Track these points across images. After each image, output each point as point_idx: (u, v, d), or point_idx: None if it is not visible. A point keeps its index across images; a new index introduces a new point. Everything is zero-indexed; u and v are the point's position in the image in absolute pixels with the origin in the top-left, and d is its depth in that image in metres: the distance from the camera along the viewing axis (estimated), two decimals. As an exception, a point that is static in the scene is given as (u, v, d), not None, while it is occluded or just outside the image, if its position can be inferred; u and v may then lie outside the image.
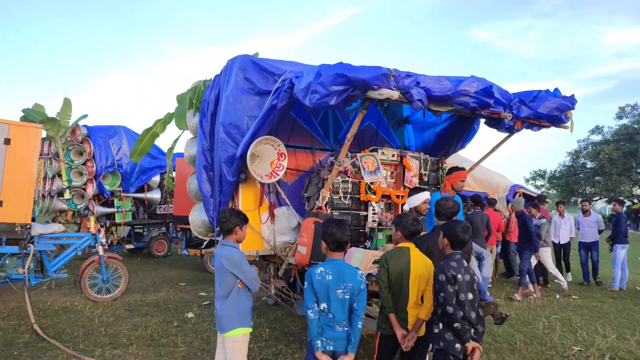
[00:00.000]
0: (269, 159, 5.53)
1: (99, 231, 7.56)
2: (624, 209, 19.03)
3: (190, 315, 6.84)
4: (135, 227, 13.13)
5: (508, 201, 10.98)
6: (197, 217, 6.42)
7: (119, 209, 11.99)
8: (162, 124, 7.18)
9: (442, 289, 3.23)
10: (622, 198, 35.78)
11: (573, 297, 9.08)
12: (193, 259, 12.45)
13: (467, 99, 4.21)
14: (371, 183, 5.32)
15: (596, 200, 45.02)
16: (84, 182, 11.37)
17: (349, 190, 5.32)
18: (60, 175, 11.25)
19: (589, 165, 43.16)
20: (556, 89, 5.06)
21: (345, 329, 3.15)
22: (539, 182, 46.26)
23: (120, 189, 11.93)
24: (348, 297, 3.13)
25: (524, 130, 5.10)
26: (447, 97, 4.14)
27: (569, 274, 11.00)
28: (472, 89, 4.18)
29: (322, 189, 5.25)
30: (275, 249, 5.76)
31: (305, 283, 3.18)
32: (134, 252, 13.12)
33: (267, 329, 6.22)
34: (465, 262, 3.35)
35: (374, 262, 4.68)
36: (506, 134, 5.19)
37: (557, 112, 4.76)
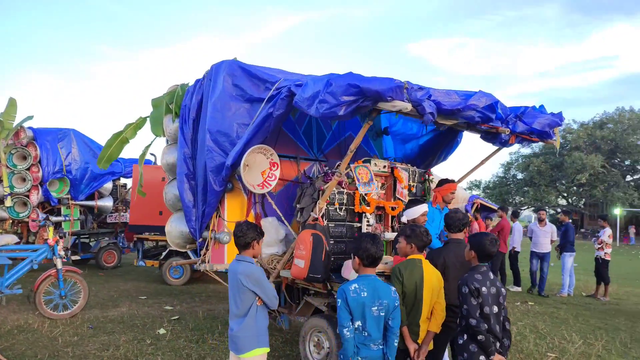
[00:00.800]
0: (260, 169, 5.36)
1: (57, 242, 6.99)
2: (549, 217, 20.14)
3: (162, 331, 6.47)
4: (81, 236, 12.33)
5: (467, 211, 11.35)
6: (175, 228, 6.10)
7: (67, 218, 11.20)
8: (133, 128, 6.78)
9: (466, 301, 3.22)
10: (546, 208, 38.44)
11: (530, 303, 9.50)
12: (149, 271, 11.86)
13: (473, 113, 4.29)
14: (365, 194, 5.28)
15: (524, 210, 47.89)
16: (27, 188, 10.52)
17: (344, 201, 5.25)
18: (1, 181, 10.35)
19: (520, 176, 45.81)
20: (542, 106, 5.27)
21: (381, 347, 3.06)
22: (475, 192, 48.40)
23: (69, 196, 11.16)
24: (383, 314, 3.05)
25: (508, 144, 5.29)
26: (456, 110, 4.18)
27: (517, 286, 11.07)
28: (481, 104, 4.25)
29: (317, 200, 5.14)
30: (262, 262, 5.57)
31: (339, 300, 3.06)
32: (80, 263, 12.30)
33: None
34: (491, 274, 3.36)
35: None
36: (496, 148, 5.33)
37: (548, 128, 4.96)
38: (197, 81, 6.22)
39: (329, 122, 6.74)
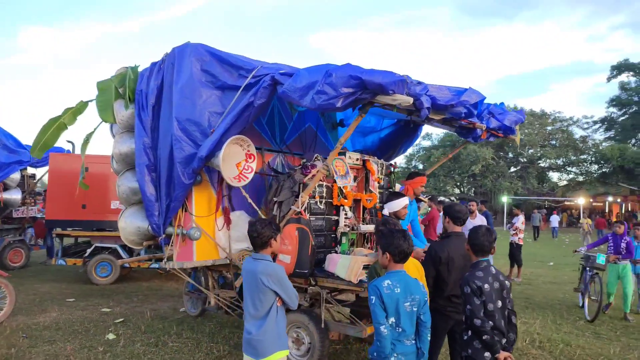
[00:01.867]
0: (235, 160, 5.08)
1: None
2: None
3: (111, 336, 5.94)
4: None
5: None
6: (130, 224, 5.59)
7: (-35, 213, 9.83)
8: (72, 113, 6.06)
9: (469, 301, 3.19)
10: (441, 197, 41.32)
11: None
12: (64, 270, 10.82)
13: (462, 109, 4.42)
14: (342, 187, 5.24)
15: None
16: None
17: (324, 194, 5.17)
18: None
19: (421, 167, 48.55)
20: (502, 103, 5.59)
21: (413, 342, 3.06)
22: (379, 182, 50.30)
23: (-32, 188, 9.79)
24: (415, 309, 3.05)
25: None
26: (449, 106, 4.29)
27: None
28: (472, 101, 4.40)
29: (297, 193, 5.01)
30: (234, 258, 5.33)
31: (372, 297, 2.99)
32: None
33: (214, 344, 5.71)
34: (493, 269, 3.38)
35: (364, 268, 4.64)
36: (464, 141, 5.56)
37: (514, 124, 5.27)
38: (154, 64, 5.73)
39: (290, 113, 6.57)
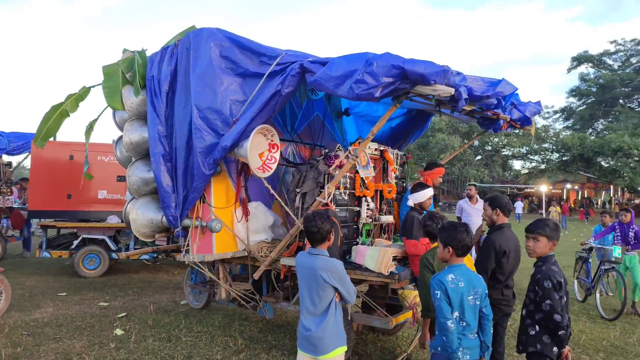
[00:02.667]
0: (258, 150, 4.94)
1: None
2: None
3: (119, 332, 5.72)
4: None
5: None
6: (142, 216, 5.38)
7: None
8: (74, 100, 5.74)
9: (549, 296, 3.11)
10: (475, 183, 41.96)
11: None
12: (45, 262, 10.38)
13: (494, 100, 4.43)
14: (364, 177, 5.19)
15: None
16: None
17: (347, 185, 5.10)
18: None
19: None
20: (517, 94, 5.65)
21: (476, 335, 3.06)
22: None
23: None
24: (478, 302, 3.04)
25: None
26: (485, 97, 4.28)
27: None
28: (506, 92, 4.41)
29: (322, 183, 4.92)
30: (253, 250, 5.21)
31: (437, 292, 2.96)
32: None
33: (228, 337, 5.60)
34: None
35: (394, 259, 4.63)
36: (482, 130, 5.58)
37: (532, 115, 5.33)
38: (164, 49, 5.50)
39: (300, 102, 6.45)
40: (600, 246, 7.13)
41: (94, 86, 5.88)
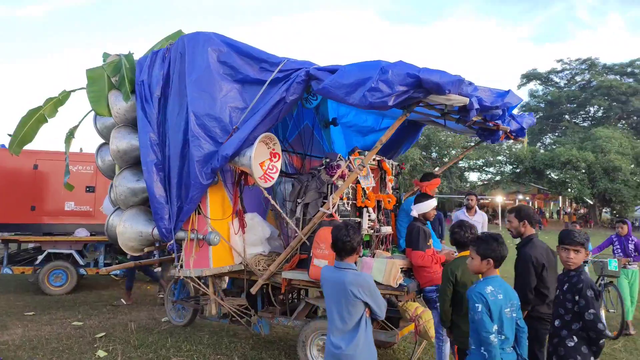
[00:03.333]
0: (259, 160, 4.76)
1: None
2: None
3: (102, 354, 5.34)
4: None
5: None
6: (130, 228, 5.06)
7: None
8: (53, 105, 5.37)
9: (592, 305, 3.06)
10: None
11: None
12: (7, 279, 9.67)
13: (500, 111, 4.45)
14: (365, 188, 5.09)
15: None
16: None
17: (350, 195, 4.99)
18: None
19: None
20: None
21: (512, 349, 2.99)
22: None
23: None
24: (515, 315, 2.98)
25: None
26: (493, 108, 4.29)
27: None
28: (513, 103, 4.44)
29: (325, 194, 4.79)
30: (250, 264, 5.01)
31: (478, 305, 2.87)
32: None
33: (221, 355, 5.33)
34: None
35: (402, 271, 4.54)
36: (478, 141, 5.62)
37: (527, 127, 5.41)
38: (155, 53, 5.25)
39: (291, 111, 6.31)
40: (597, 260, 6.80)
41: (74, 90, 5.54)
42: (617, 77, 48.65)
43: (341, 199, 4.86)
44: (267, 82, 4.61)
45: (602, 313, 6.60)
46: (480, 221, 7.46)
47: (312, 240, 4.61)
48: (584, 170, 39.88)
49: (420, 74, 3.79)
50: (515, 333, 3.02)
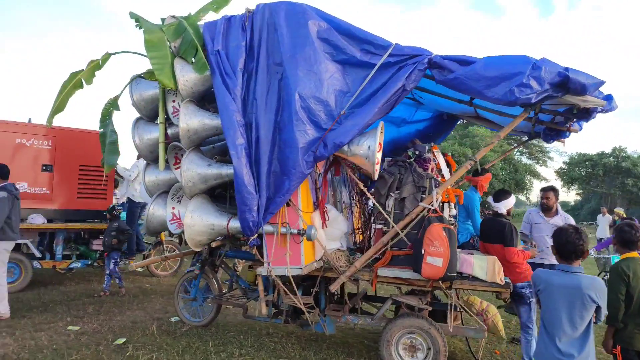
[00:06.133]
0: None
1: None
2: None
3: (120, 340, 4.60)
4: None
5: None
6: (200, 220, 4.42)
7: None
8: (92, 69, 4.41)
9: None
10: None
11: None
12: None
13: (596, 114, 4.64)
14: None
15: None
16: None
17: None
18: None
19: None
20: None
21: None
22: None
23: None
24: None
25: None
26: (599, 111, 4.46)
27: None
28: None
29: (424, 188, 4.60)
30: (331, 260, 4.66)
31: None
32: None
33: (285, 360, 4.91)
34: None
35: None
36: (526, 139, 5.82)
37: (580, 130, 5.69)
38: (228, 19, 4.60)
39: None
40: (600, 256, 6.91)
41: (115, 53, 4.61)
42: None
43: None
44: (377, 66, 4.28)
45: None
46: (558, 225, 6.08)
47: (414, 237, 4.43)
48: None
49: (570, 73, 3.81)
50: None
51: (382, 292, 7.17)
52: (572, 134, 5.17)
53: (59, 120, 8.75)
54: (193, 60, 4.47)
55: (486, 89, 3.92)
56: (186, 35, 4.47)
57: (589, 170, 44.68)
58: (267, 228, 4.34)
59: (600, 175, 43.98)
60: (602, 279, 7.08)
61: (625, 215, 15.21)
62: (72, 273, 8.64)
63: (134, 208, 8.43)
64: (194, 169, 4.40)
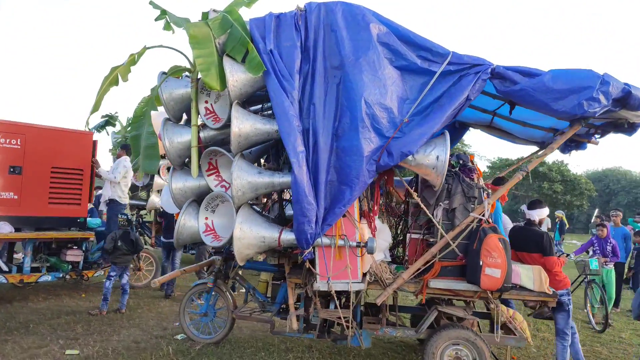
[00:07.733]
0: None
1: None
2: None
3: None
4: None
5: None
6: (250, 232, 4.09)
7: None
8: (128, 63, 3.91)
9: None
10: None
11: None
12: None
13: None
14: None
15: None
16: None
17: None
18: None
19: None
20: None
21: None
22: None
23: None
24: None
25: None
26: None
27: None
28: None
29: (475, 198, 4.56)
30: (379, 272, 4.50)
31: None
32: None
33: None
34: None
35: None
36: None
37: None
38: (277, 17, 4.30)
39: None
40: (579, 259, 7.33)
41: (151, 47, 4.13)
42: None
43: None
44: (437, 74, 4.18)
45: (588, 309, 7.44)
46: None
47: (463, 248, 4.40)
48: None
49: (632, 89, 3.94)
50: None
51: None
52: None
53: (29, 117, 7.81)
54: (239, 59, 4.11)
55: (553, 101, 3.96)
56: (234, 31, 4.09)
57: (511, 173, 47.80)
58: (324, 240, 4.10)
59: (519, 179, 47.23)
60: (582, 281, 7.68)
61: (564, 219, 16.25)
62: (32, 287, 7.72)
63: (117, 210, 7.71)
64: (245, 177, 4.04)
